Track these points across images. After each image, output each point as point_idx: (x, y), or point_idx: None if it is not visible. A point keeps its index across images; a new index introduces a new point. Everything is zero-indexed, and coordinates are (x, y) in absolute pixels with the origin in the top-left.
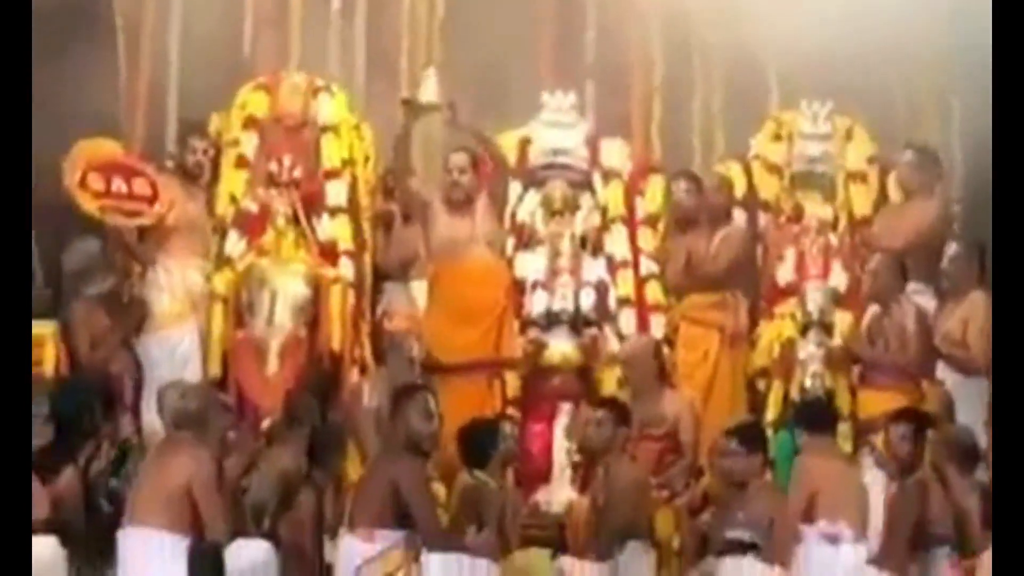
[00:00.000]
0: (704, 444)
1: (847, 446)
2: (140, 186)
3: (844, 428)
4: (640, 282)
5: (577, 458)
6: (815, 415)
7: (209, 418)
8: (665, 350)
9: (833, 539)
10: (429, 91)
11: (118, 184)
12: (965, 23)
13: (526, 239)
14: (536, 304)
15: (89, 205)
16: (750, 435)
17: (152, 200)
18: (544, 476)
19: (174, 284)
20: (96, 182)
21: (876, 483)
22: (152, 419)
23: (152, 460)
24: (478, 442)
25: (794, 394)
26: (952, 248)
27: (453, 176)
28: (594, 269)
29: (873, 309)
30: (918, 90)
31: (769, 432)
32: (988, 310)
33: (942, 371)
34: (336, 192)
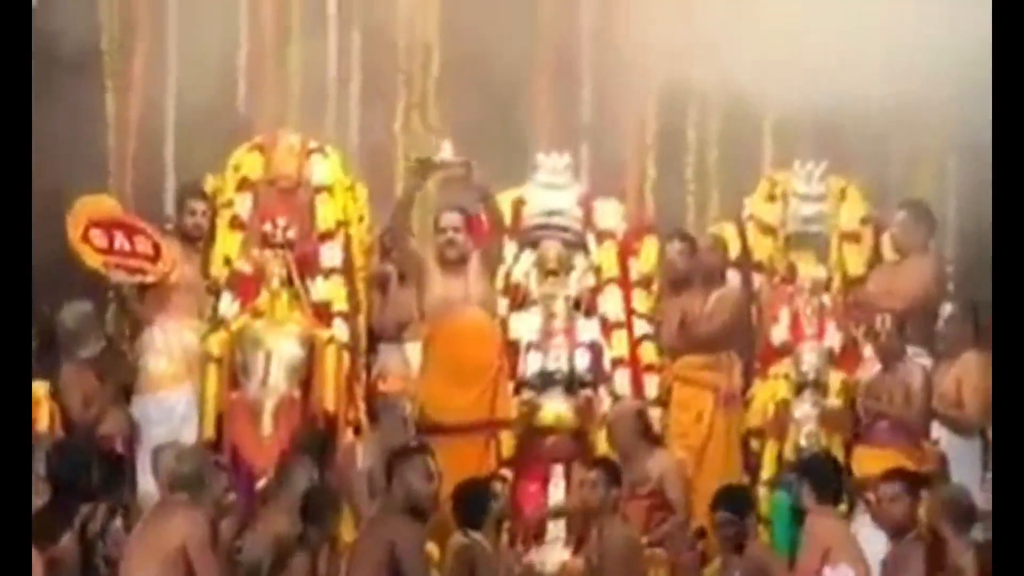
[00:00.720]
0: (698, 503)
1: (843, 504)
2: (142, 244)
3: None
4: (634, 343)
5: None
6: (822, 477)
7: (204, 480)
8: (651, 411)
9: None
10: (447, 149)
11: (120, 241)
12: (962, 80)
13: (520, 300)
14: (530, 365)
15: (93, 260)
16: (742, 499)
17: (154, 258)
18: (538, 536)
19: (171, 345)
20: (99, 238)
21: (874, 541)
22: (148, 481)
23: (148, 522)
24: (471, 502)
25: (788, 454)
26: (947, 308)
27: (447, 235)
28: (588, 330)
29: (874, 367)
30: (913, 149)
31: (763, 492)
32: (983, 370)
33: (936, 430)
34: (330, 253)
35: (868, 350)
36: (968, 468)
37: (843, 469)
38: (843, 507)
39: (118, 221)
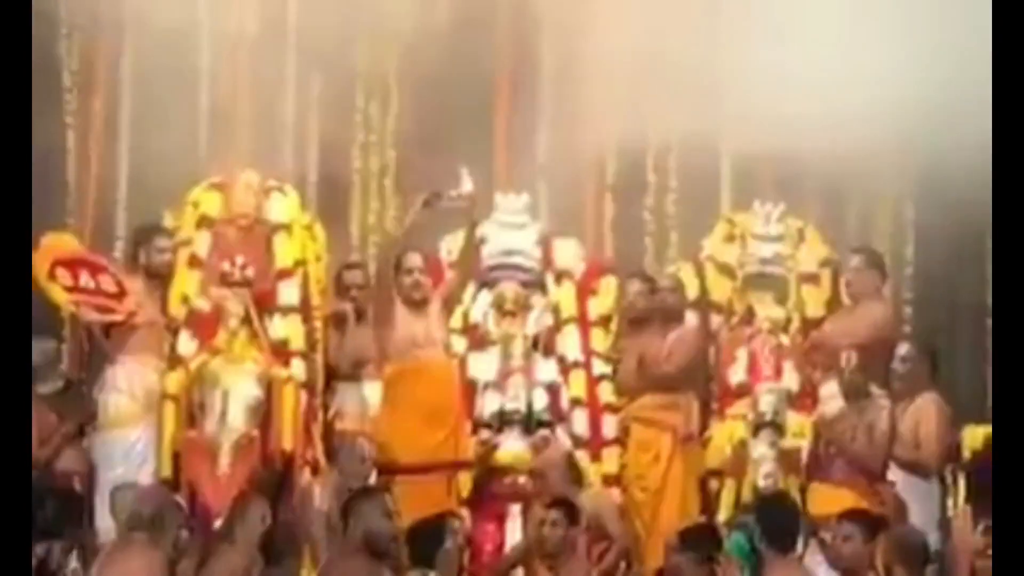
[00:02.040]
0: (655, 544)
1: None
2: (106, 283)
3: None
4: (592, 383)
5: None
6: (777, 522)
7: (164, 521)
8: (606, 451)
9: None
10: (466, 184)
11: (86, 279)
12: (921, 123)
13: (478, 340)
14: (488, 405)
15: (61, 298)
16: (700, 536)
17: (120, 296)
18: None
19: (132, 383)
20: (64, 277)
21: None
22: (105, 519)
23: (106, 561)
24: (426, 539)
25: (746, 495)
26: (903, 349)
27: (413, 276)
28: (546, 370)
29: (834, 406)
30: (871, 192)
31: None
32: (939, 412)
33: (893, 472)
34: (288, 292)
35: (826, 390)
36: (925, 510)
37: (798, 512)
38: (797, 551)
39: (81, 259)
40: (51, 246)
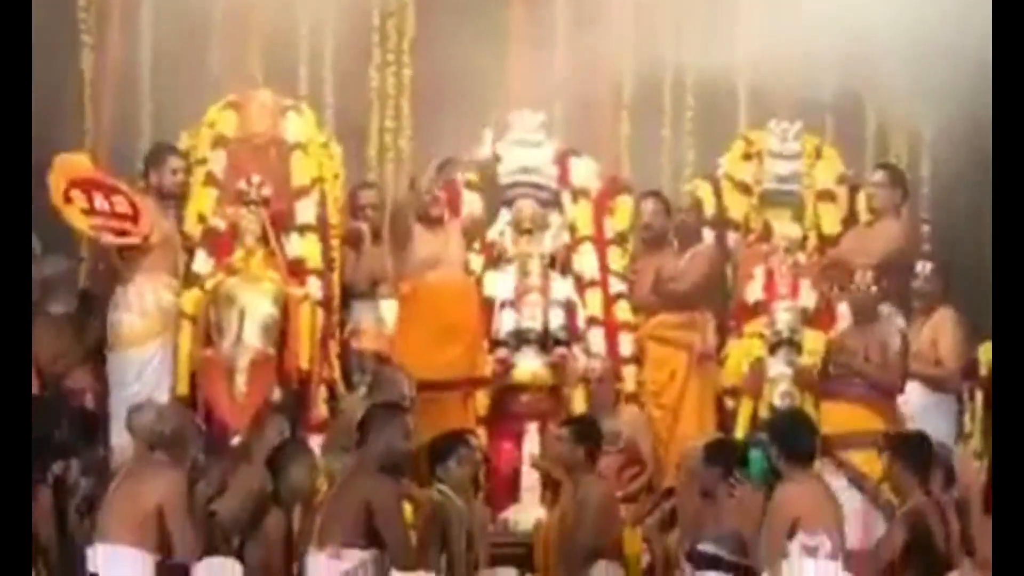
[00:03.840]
0: (669, 461)
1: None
2: (121, 205)
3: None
4: (609, 301)
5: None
6: (795, 443)
7: (185, 440)
8: (624, 369)
9: (812, 551)
10: (485, 147)
11: (100, 202)
12: (937, 43)
13: (495, 258)
14: (505, 323)
15: (79, 221)
16: (723, 451)
17: (134, 218)
18: (512, 495)
19: (145, 302)
20: (80, 199)
21: (848, 501)
22: (122, 437)
23: (125, 480)
24: (445, 454)
25: (763, 413)
26: (921, 266)
27: (432, 192)
28: (563, 288)
29: (848, 324)
30: (888, 109)
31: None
32: (957, 326)
33: (909, 390)
34: (304, 210)
35: (842, 308)
36: (942, 426)
37: (815, 428)
38: (815, 467)
39: (96, 181)
40: (65, 166)
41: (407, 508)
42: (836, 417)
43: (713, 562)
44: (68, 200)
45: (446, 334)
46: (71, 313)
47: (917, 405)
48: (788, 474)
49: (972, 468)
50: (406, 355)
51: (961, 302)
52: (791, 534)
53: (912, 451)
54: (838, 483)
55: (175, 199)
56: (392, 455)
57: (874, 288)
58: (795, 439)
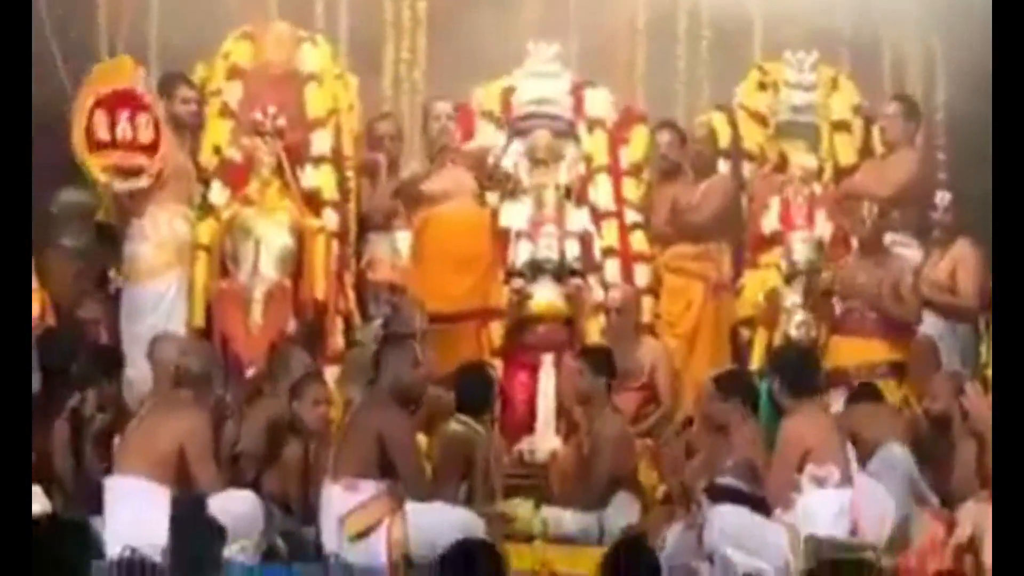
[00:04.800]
0: (686, 394)
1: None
2: (143, 129)
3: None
4: (624, 232)
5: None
6: (799, 376)
7: (211, 379)
8: (646, 299)
9: (822, 481)
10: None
11: (123, 126)
12: None
13: (510, 189)
14: (520, 254)
15: (96, 172)
16: (735, 382)
17: (153, 148)
18: (528, 426)
19: (160, 233)
20: (101, 124)
21: None
22: (137, 369)
23: (148, 415)
24: (474, 385)
25: (779, 343)
26: (939, 196)
27: (442, 122)
28: (578, 219)
29: (859, 257)
30: (903, 38)
31: (756, 380)
32: (976, 256)
33: (926, 320)
34: (320, 142)
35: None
36: (958, 357)
37: (817, 362)
38: (820, 398)
39: (128, 94)
40: (104, 74)
41: (423, 439)
42: (851, 349)
43: (731, 494)
44: (91, 123)
45: (458, 265)
46: (86, 245)
47: (933, 335)
48: (793, 408)
49: (987, 399)
50: (419, 286)
51: (978, 232)
52: (801, 467)
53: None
54: None
55: (188, 129)
56: (402, 385)
57: (881, 222)
58: (797, 373)
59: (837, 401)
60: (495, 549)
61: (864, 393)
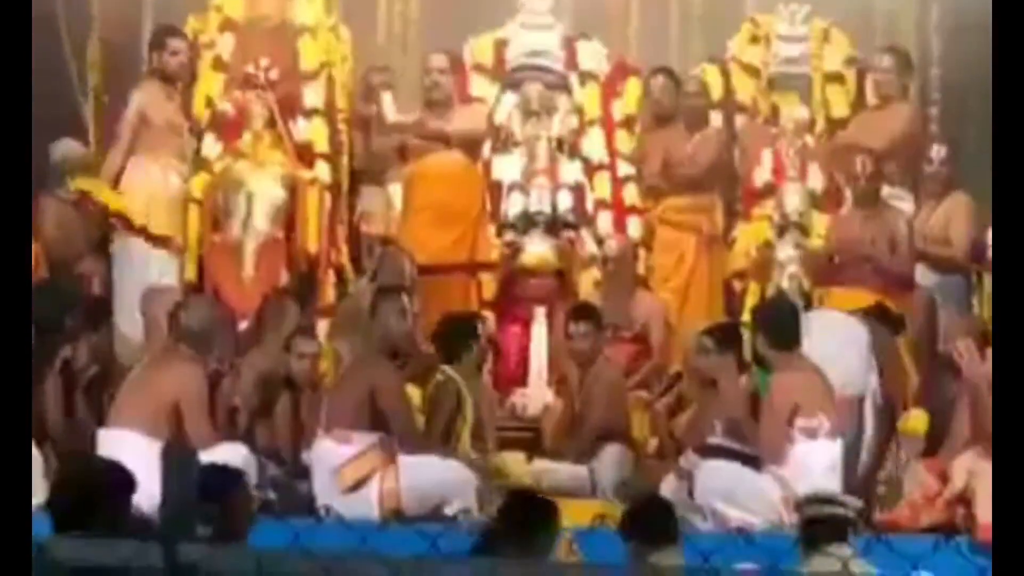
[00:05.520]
0: (676, 345)
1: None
2: None
3: None
4: (617, 184)
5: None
6: (780, 330)
7: (211, 336)
8: (639, 252)
9: (812, 433)
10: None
11: None
12: None
13: (503, 141)
14: (513, 206)
15: None
16: (724, 335)
17: None
18: (520, 379)
19: (153, 186)
20: None
21: None
22: (128, 322)
23: (145, 369)
24: (453, 335)
25: (771, 295)
26: (932, 149)
27: (432, 77)
28: (571, 171)
29: (852, 209)
30: None
31: (745, 334)
32: (969, 209)
33: (920, 272)
34: (313, 94)
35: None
36: (952, 308)
37: (796, 314)
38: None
39: None
40: None
41: (415, 392)
42: (844, 302)
43: (721, 452)
44: None
45: (446, 218)
46: (79, 196)
47: (929, 289)
48: (775, 362)
49: (981, 355)
50: (408, 239)
51: (972, 184)
52: (791, 420)
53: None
54: None
55: (179, 81)
56: (392, 338)
57: (875, 175)
58: (778, 327)
59: None
60: (552, 503)
61: None
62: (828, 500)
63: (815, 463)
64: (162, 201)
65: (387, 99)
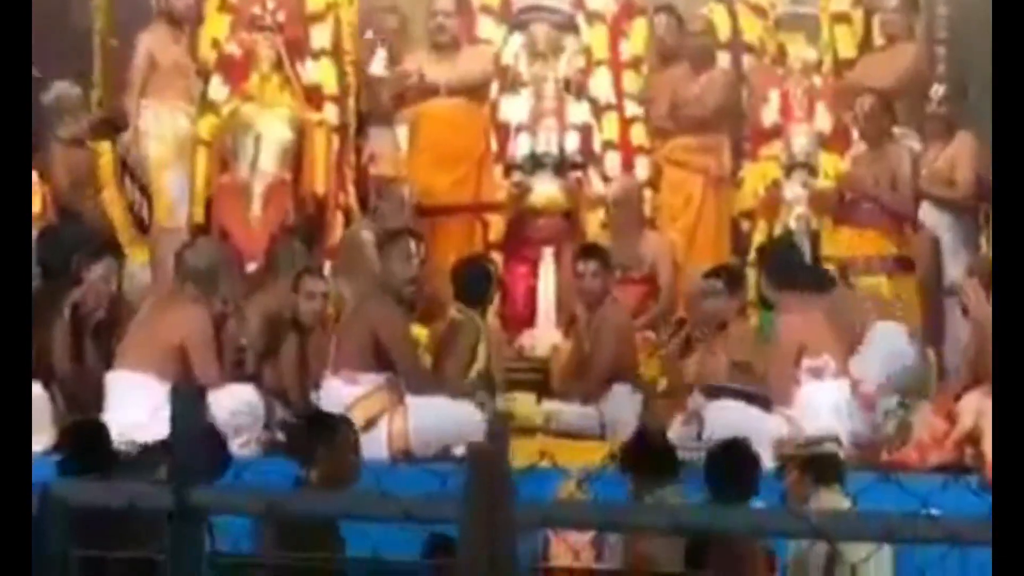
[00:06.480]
0: (684, 287)
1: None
2: None
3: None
4: (624, 124)
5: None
6: (783, 270)
7: (217, 277)
8: (646, 192)
9: (818, 373)
10: None
11: None
12: None
13: (510, 82)
14: (520, 147)
15: None
16: (729, 276)
17: None
18: (528, 320)
19: (162, 128)
20: None
21: None
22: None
23: (152, 310)
24: (472, 277)
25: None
26: (938, 89)
27: (438, 20)
28: (578, 112)
29: (861, 149)
30: None
31: (752, 274)
32: (975, 149)
33: (924, 212)
34: (320, 35)
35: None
36: (957, 249)
37: (800, 255)
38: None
39: None
40: None
41: (423, 332)
42: (849, 241)
43: (729, 393)
44: None
45: (450, 159)
46: (82, 135)
47: (932, 226)
48: (778, 301)
49: (984, 293)
50: (414, 179)
51: (978, 125)
52: (798, 361)
53: None
54: None
55: (186, 23)
56: (395, 279)
57: (880, 114)
58: (781, 267)
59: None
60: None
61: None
62: (814, 439)
63: (821, 403)
64: (169, 143)
65: (380, 55)
